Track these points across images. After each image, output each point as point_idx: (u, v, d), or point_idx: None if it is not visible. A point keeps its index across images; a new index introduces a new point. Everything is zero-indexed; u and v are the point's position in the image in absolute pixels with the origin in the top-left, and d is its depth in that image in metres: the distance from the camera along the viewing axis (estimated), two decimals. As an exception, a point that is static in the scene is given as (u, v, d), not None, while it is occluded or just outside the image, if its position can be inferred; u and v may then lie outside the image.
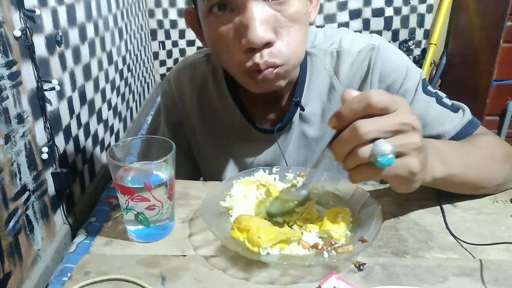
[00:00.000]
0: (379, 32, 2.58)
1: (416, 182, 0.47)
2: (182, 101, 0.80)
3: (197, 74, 0.78)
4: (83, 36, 1.41)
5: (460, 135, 0.69)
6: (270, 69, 0.59)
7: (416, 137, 0.45)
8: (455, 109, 0.71)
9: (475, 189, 0.64)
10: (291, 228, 0.57)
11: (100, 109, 1.59)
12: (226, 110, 0.76)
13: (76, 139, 1.32)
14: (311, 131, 0.74)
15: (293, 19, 0.58)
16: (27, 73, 1.00)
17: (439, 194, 0.65)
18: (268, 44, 0.58)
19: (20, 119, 0.96)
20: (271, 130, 0.73)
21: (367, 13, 2.55)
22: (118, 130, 1.87)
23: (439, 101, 0.71)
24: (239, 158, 0.78)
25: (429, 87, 0.71)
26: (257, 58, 0.58)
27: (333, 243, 0.51)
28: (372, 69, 0.70)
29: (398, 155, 0.44)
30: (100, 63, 1.60)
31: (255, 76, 0.60)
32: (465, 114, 0.71)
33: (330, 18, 2.56)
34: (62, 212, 1.17)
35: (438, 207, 0.63)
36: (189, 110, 0.80)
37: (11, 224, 0.91)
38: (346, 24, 2.57)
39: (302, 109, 0.72)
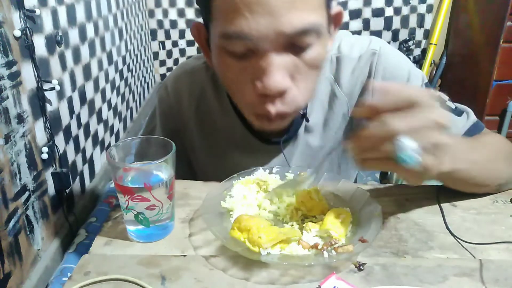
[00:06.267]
0: (379, 32, 2.58)
1: (428, 176, 0.46)
2: (179, 110, 0.77)
3: (196, 82, 0.75)
4: (83, 36, 1.41)
5: None
6: (280, 120, 0.59)
7: (439, 135, 0.43)
8: (459, 113, 0.70)
9: (477, 187, 0.64)
10: (292, 226, 0.57)
11: (100, 109, 1.59)
12: (226, 120, 0.74)
13: (76, 139, 1.32)
14: (315, 140, 0.73)
15: (312, 66, 0.56)
16: (27, 73, 1.00)
17: (438, 194, 0.65)
18: (283, 92, 0.56)
19: (20, 119, 0.96)
20: (274, 141, 0.71)
21: (367, 13, 2.55)
22: (118, 130, 1.87)
23: (443, 104, 0.70)
24: (240, 168, 0.77)
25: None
26: (269, 105, 0.57)
27: (333, 243, 0.51)
28: (374, 75, 0.69)
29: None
30: (100, 63, 1.60)
31: (262, 119, 0.60)
32: (470, 117, 0.70)
33: (330, 18, 2.55)
34: (62, 212, 1.17)
35: (438, 207, 0.63)
36: (187, 119, 0.77)
37: (11, 224, 0.91)
38: (346, 24, 2.56)
39: (307, 120, 0.71)
